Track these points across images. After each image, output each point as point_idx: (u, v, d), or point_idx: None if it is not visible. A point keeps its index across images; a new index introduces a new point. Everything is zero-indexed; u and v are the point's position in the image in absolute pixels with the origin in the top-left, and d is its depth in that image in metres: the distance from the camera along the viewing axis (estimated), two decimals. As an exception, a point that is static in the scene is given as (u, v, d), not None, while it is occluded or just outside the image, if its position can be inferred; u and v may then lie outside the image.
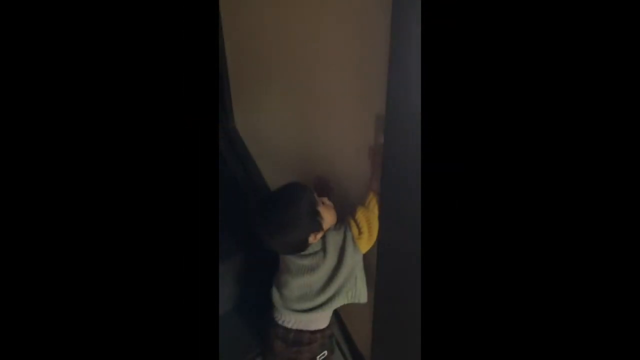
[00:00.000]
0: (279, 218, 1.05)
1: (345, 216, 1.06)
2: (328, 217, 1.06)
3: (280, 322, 1.18)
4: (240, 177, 1.75)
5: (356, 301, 1.11)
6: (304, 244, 1.06)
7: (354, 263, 1.06)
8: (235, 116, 1.84)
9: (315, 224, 1.04)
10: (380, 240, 1.03)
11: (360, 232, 1.02)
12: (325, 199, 1.09)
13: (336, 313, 1.43)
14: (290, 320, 1.17)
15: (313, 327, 1.17)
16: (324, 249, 1.06)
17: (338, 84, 1.01)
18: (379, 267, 1.06)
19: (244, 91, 1.69)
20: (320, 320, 1.18)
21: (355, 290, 1.10)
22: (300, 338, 1.17)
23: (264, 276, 1.22)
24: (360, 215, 1.02)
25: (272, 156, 1.63)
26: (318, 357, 1.21)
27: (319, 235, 1.06)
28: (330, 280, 1.08)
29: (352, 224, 1.03)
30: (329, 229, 1.07)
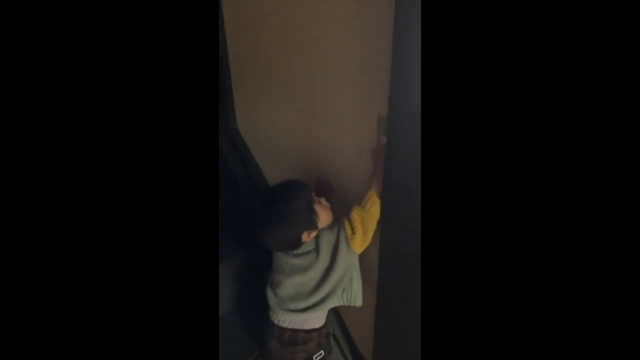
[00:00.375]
0: (276, 212, 1.04)
1: (341, 216, 1.06)
2: (324, 216, 1.06)
3: (275, 321, 1.18)
4: (241, 177, 1.75)
5: (351, 304, 1.10)
6: (297, 242, 1.06)
7: (349, 263, 1.06)
8: (236, 116, 1.84)
9: (311, 221, 1.04)
10: (380, 240, 1.02)
11: (353, 232, 1.02)
12: (323, 200, 1.09)
13: (337, 314, 1.43)
14: (285, 319, 1.16)
15: (308, 327, 1.17)
16: (317, 249, 1.06)
17: (339, 84, 1.01)
18: (379, 267, 1.05)
19: (246, 91, 1.69)
20: (315, 320, 1.17)
21: (351, 291, 1.08)
22: (296, 337, 1.17)
23: (264, 276, 1.22)
24: (355, 215, 1.01)
25: (273, 156, 1.63)
26: (315, 356, 1.20)
27: (313, 234, 1.06)
28: (324, 280, 1.07)
29: (346, 223, 1.03)
30: (323, 229, 1.07)
